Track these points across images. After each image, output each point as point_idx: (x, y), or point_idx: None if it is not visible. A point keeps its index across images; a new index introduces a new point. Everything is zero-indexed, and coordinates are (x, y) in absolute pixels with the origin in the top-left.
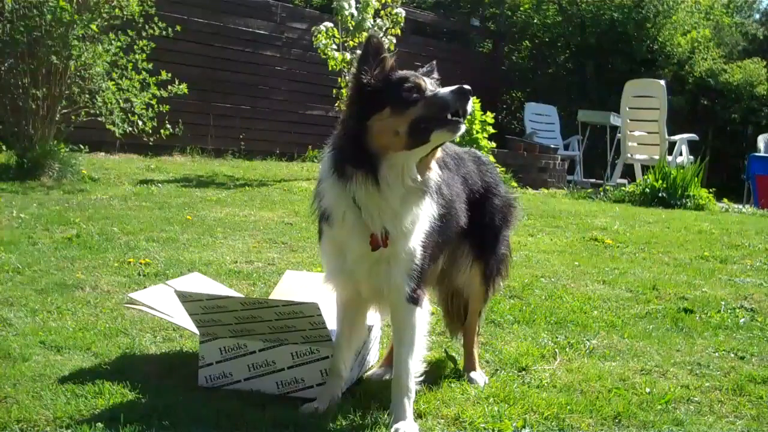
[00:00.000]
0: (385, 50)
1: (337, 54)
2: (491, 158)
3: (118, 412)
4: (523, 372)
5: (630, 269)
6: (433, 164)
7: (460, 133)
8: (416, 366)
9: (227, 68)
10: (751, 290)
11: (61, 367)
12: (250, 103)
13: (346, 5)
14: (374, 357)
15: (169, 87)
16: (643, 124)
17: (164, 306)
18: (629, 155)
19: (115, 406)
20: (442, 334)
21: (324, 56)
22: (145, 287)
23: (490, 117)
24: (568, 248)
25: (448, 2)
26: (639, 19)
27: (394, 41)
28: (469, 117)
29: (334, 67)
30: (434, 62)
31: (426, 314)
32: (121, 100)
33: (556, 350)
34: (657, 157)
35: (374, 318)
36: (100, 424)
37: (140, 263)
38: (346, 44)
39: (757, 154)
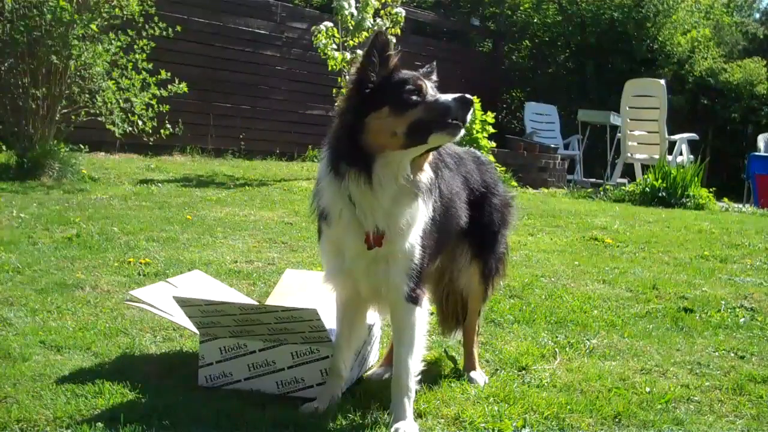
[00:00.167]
0: (390, 48)
1: (337, 54)
2: (491, 158)
3: (118, 412)
4: (523, 372)
5: (630, 269)
6: (426, 166)
7: (458, 137)
8: (416, 365)
9: (227, 68)
10: (751, 289)
11: (61, 367)
12: (250, 103)
13: (345, 5)
14: (374, 357)
15: (169, 86)
16: (643, 124)
17: (165, 305)
18: (629, 155)
19: (115, 406)
20: (442, 334)
21: (324, 56)
22: (145, 287)
23: (490, 116)
24: (568, 248)
25: (448, 2)
26: (639, 19)
27: (394, 41)
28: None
29: (334, 66)
30: (434, 63)
31: (426, 314)
32: (121, 100)
33: (556, 350)
34: (657, 156)
35: (374, 317)
36: (100, 424)
37: (140, 263)
38: (345, 44)
39: (757, 153)
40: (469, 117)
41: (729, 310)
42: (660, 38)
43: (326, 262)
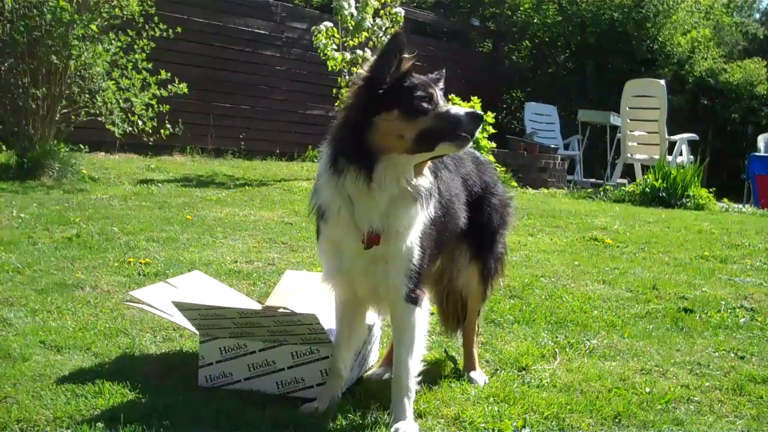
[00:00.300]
0: (406, 50)
1: (336, 54)
2: (491, 158)
3: (118, 412)
4: (523, 372)
5: (630, 269)
6: (426, 171)
7: (465, 149)
8: (416, 366)
9: (227, 68)
10: (751, 290)
11: (61, 367)
12: (250, 103)
13: (345, 5)
14: (374, 357)
15: (169, 86)
16: (643, 124)
17: (165, 305)
18: (629, 155)
19: (115, 406)
20: (443, 334)
21: (324, 56)
22: (145, 287)
23: (490, 117)
24: (568, 248)
25: (448, 2)
26: (639, 19)
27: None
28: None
29: (334, 67)
30: (443, 70)
31: (426, 314)
32: (121, 100)
33: (556, 350)
34: (657, 156)
35: (374, 317)
36: (100, 424)
37: (140, 263)
38: (345, 44)
39: (757, 153)
40: (477, 133)
41: (729, 311)
42: (660, 38)
43: (324, 261)
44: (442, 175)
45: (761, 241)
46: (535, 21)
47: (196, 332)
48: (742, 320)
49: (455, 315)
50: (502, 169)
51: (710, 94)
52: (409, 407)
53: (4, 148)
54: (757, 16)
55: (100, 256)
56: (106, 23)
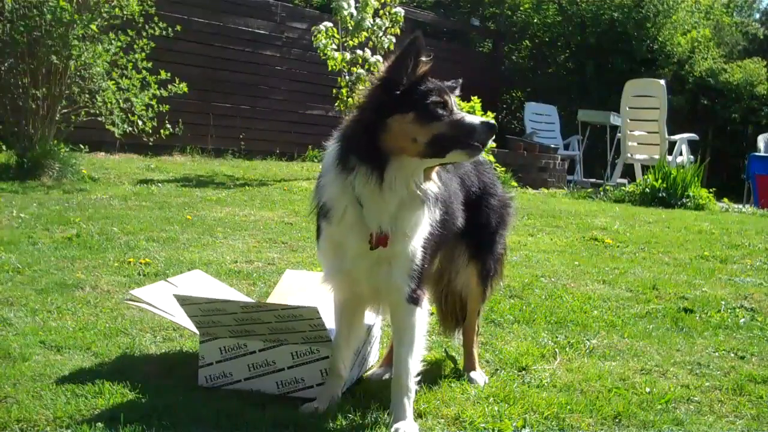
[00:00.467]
0: (425, 54)
1: (336, 54)
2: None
3: (118, 412)
4: (523, 372)
5: (630, 269)
6: (434, 175)
7: (475, 158)
8: (416, 366)
9: (227, 68)
10: (751, 290)
11: (61, 367)
12: (250, 103)
13: (345, 5)
14: (374, 357)
15: (169, 86)
16: (643, 124)
17: (165, 304)
18: (629, 155)
19: (115, 406)
20: (442, 334)
21: (324, 56)
22: (145, 286)
23: (490, 117)
24: (568, 248)
25: (448, 2)
26: (639, 19)
27: (394, 41)
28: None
29: (334, 67)
30: (460, 80)
31: (426, 314)
32: (121, 100)
33: (556, 350)
34: (657, 156)
35: (374, 317)
36: (100, 424)
37: (140, 263)
38: (345, 44)
39: (757, 153)
40: (489, 142)
41: (729, 311)
42: (660, 38)
43: (325, 261)
44: (440, 174)
45: (761, 241)
46: (535, 21)
47: (196, 332)
48: (742, 320)
49: (454, 315)
50: (502, 169)
51: (710, 94)
52: (409, 407)
53: (4, 148)
54: (757, 16)
55: (100, 256)
56: (106, 23)
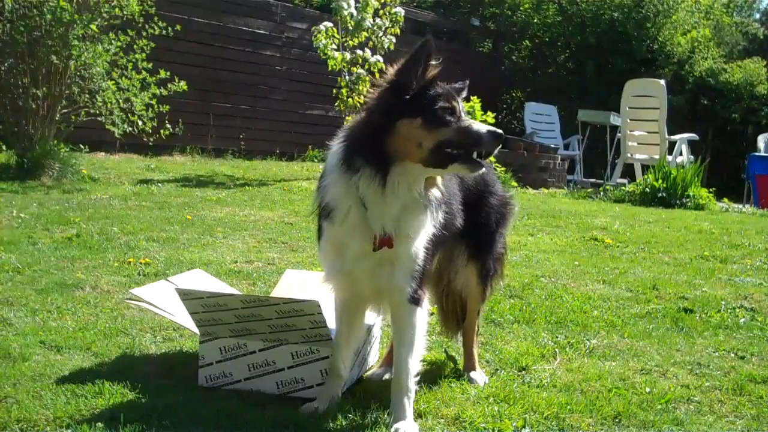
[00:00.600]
0: (435, 58)
1: (336, 54)
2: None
3: (118, 412)
4: (523, 372)
5: (630, 269)
6: (438, 181)
7: (477, 174)
8: (416, 366)
9: (227, 68)
10: (751, 290)
11: (61, 367)
12: (250, 103)
13: (344, 5)
14: (374, 357)
15: (169, 85)
16: (643, 124)
17: (165, 304)
18: (629, 155)
19: (115, 406)
20: (443, 335)
21: (324, 56)
22: (145, 285)
23: (490, 117)
24: (568, 248)
25: (448, 2)
26: (639, 19)
27: (394, 41)
28: (469, 115)
29: (334, 66)
30: (467, 81)
31: (426, 314)
32: (121, 100)
33: (556, 350)
34: (657, 156)
35: (374, 317)
36: (100, 424)
37: (140, 263)
38: (345, 44)
39: (757, 153)
40: (496, 151)
41: (729, 311)
42: (660, 38)
43: (326, 261)
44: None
45: (761, 241)
46: (535, 21)
47: (197, 331)
48: (742, 320)
49: (454, 315)
50: (502, 169)
51: (710, 94)
52: (409, 407)
53: (4, 148)
54: (757, 16)
55: (100, 256)
56: (106, 23)
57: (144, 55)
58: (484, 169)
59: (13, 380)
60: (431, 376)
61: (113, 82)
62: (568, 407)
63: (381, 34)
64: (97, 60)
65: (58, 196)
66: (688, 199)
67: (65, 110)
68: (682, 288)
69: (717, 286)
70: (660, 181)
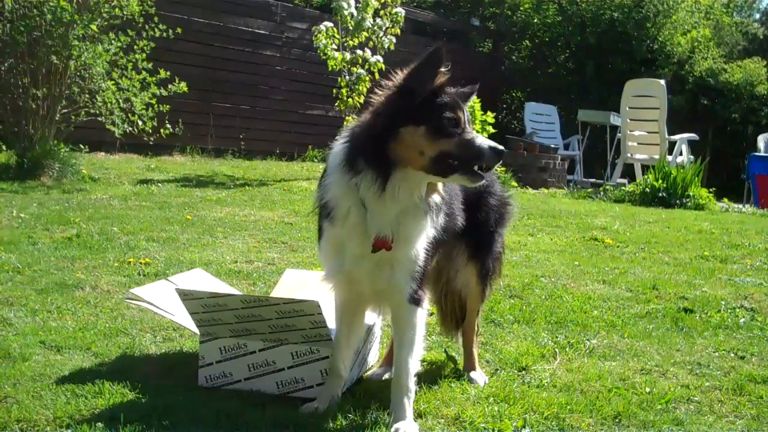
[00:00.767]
0: (444, 65)
1: (336, 54)
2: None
3: (118, 412)
4: (523, 372)
5: (630, 269)
6: (440, 186)
7: (477, 186)
8: (416, 366)
9: (227, 68)
10: (751, 290)
11: (61, 367)
12: (250, 103)
13: (345, 5)
14: (374, 357)
15: (169, 85)
16: (643, 124)
17: (165, 303)
18: (629, 155)
19: (115, 406)
20: (443, 335)
21: (324, 56)
22: (145, 285)
23: (490, 117)
24: (568, 248)
25: (448, 2)
26: (639, 19)
27: (394, 41)
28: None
29: (334, 67)
30: (477, 85)
31: (425, 314)
32: (121, 100)
33: (556, 350)
34: (657, 156)
35: (374, 317)
36: (100, 424)
37: (140, 263)
38: (345, 44)
39: (757, 153)
40: (496, 167)
41: (729, 311)
42: (660, 38)
43: (326, 261)
44: None
45: (761, 241)
46: (535, 21)
47: (197, 331)
48: (742, 320)
49: (454, 315)
50: (502, 169)
51: (710, 94)
52: (409, 407)
53: (4, 148)
54: (757, 16)
55: (100, 256)
56: (106, 23)
57: (144, 55)
58: (485, 180)
59: (13, 380)
60: (431, 376)
61: (113, 82)
62: (568, 407)
63: (381, 34)
64: (97, 60)
65: (58, 196)
66: (688, 199)
67: (65, 110)
68: (682, 288)
69: (717, 286)
70: (660, 181)
